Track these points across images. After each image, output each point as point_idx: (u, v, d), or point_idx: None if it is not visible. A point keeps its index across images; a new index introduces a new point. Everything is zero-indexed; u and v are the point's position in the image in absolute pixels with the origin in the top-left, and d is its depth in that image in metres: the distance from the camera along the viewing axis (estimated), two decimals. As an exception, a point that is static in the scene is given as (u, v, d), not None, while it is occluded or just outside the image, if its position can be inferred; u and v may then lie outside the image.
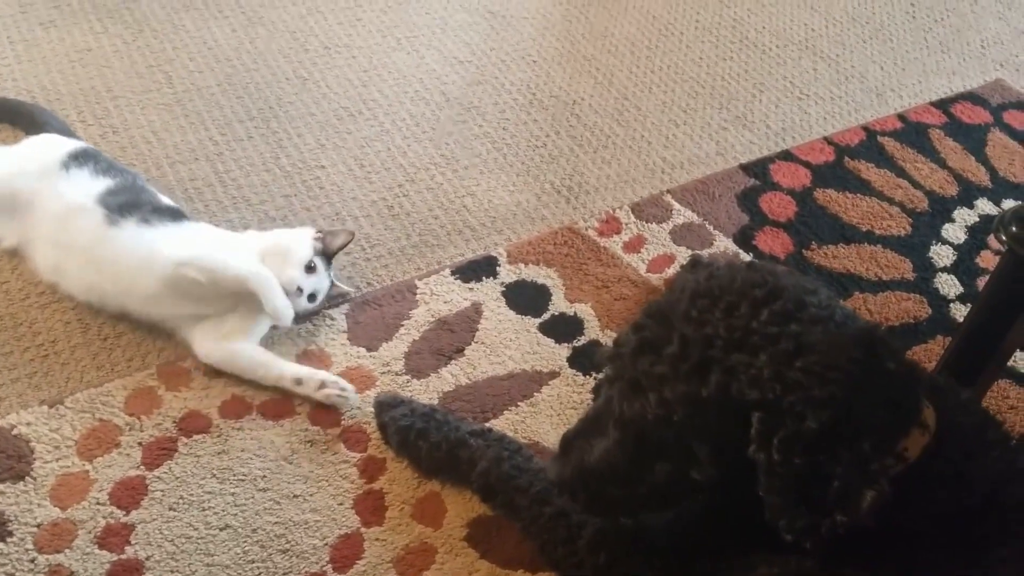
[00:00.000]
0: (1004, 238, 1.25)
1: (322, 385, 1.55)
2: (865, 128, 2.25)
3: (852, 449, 0.94)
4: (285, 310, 1.58)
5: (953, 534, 1.00)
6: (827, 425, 0.94)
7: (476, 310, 1.75)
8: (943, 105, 2.35)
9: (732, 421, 0.99)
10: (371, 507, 1.45)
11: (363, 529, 1.42)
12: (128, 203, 1.65)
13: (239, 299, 1.60)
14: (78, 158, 1.71)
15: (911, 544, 1.00)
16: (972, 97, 2.39)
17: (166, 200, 1.74)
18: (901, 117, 2.29)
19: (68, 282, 1.65)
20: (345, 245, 1.73)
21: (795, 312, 1.01)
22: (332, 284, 1.70)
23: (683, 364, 1.01)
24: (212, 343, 1.59)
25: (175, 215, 1.69)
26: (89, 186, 1.66)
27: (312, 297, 1.64)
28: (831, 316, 1.02)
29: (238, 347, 1.59)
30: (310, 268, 1.64)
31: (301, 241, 1.67)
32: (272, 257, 1.62)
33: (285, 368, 1.57)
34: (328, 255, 1.69)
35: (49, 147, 1.75)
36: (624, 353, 1.08)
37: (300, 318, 1.65)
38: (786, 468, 0.95)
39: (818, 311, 1.02)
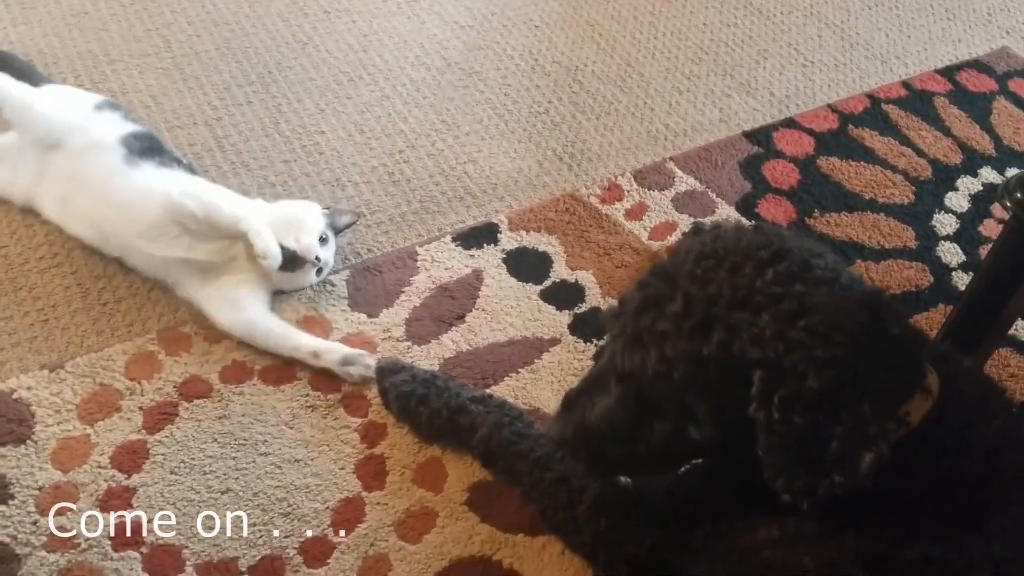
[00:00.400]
0: (1009, 204, 1.24)
1: (346, 361, 1.54)
2: (869, 95, 2.23)
3: (852, 411, 0.94)
4: (273, 249, 1.57)
5: (954, 501, 1.00)
6: (829, 386, 0.93)
7: (477, 277, 1.74)
8: (948, 73, 2.33)
9: (732, 380, 0.99)
10: (372, 471, 1.45)
11: (364, 493, 1.43)
12: (149, 148, 1.69)
13: (233, 255, 1.61)
14: (111, 104, 1.79)
15: (912, 509, 1.00)
16: (977, 65, 2.37)
17: (183, 158, 1.78)
18: (906, 84, 2.28)
19: (73, 218, 1.68)
20: (350, 225, 1.74)
21: (800, 273, 1.00)
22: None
23: (685, 321, 1.01)
24: (231, 312, 1.59)
25: (191, 170, 1.73)
26: (117, 127, 1.71)
27: (319, 271, 1.64)
28: (836, 279, 1.01)
29: (257, 318, 1.59)
30: (323, 240, 1.64)
31: (313, 213, 1.67)
32: (285, 227, 1.61)
33: (302, 340, 1.57)
34: (334, 231, 1.69)
35: (84, 93, 1.83)
36: (627, 311, 1.08)
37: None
38: (785, 427, 0.95)
39: (823, 273, 1.01)
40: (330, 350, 1.56)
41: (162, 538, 1.36)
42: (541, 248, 1.80)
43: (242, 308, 1.59)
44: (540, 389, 1.58)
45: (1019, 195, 1.22)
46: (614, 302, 1.67)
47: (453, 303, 1.69)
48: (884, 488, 0.98)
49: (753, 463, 0.99)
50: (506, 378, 1.59)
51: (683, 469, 1.19)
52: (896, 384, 0.98)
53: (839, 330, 0.95)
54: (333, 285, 1.70)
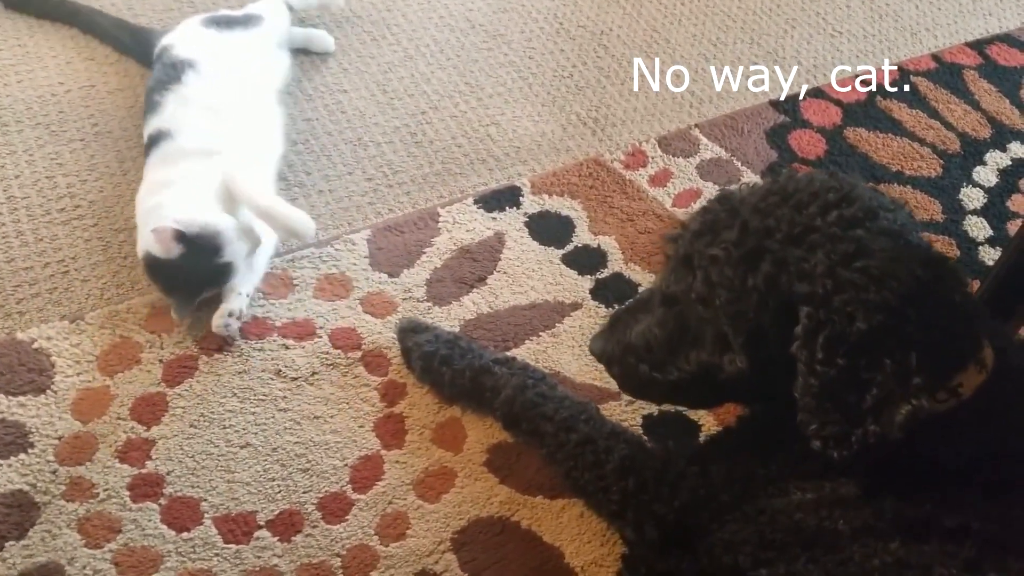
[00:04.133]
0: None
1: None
2: (898, 67, 2.20)
3: (897, 360, 0.92)
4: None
5: (999, 475, 0.99)
6: (876, 330, 0.92)
7: (499, 239, 1.73)
8: (978, 46, 2.29)
9: (775, 314, 0.97)
10: (391, 430, 1.45)
11: (383, 451, 1.42)
12: None
13: None
14: None
15: (955, 480, 0.98)
16: (1008, 39, 2.33)
17: None
18: (935, 57, 2.24)
19: None
20: None
21: (863, 219, 0.98)
22: None
23: (736, 250, 1.00)
24: None
25: None
26: None
27: None
28: (902, 234, 0.99)
29: None
30: None
31: None
32: None
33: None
34: None
35: None
36: (686, 234, 1.08)
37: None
38: (827, 368, 0.93)
39: (889, 225, 0.99)
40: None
41: (180, 490, 1.36)
42: (564, 212, 1.79)
43: None
44: (561, 353, 1.57)
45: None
46: (636, 268, 1.68)
47: (474, 265, 1.68)
48: (929, 457, 0.97)
49: (787, 417, 0.98)
50: (527, 341, 1.58)
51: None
52: (951, 352, 0.96)
53: (894, 277, 0.93)
54: (354, 244, 1.69)
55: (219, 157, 1.58)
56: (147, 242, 1.48)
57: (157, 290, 1.53)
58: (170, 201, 1.52)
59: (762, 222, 1.00)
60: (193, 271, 1.47)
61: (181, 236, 1.44)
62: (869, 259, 0.95)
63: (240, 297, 1.53)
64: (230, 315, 1.51)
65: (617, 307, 1.63)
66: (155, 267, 1.48)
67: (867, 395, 0.93)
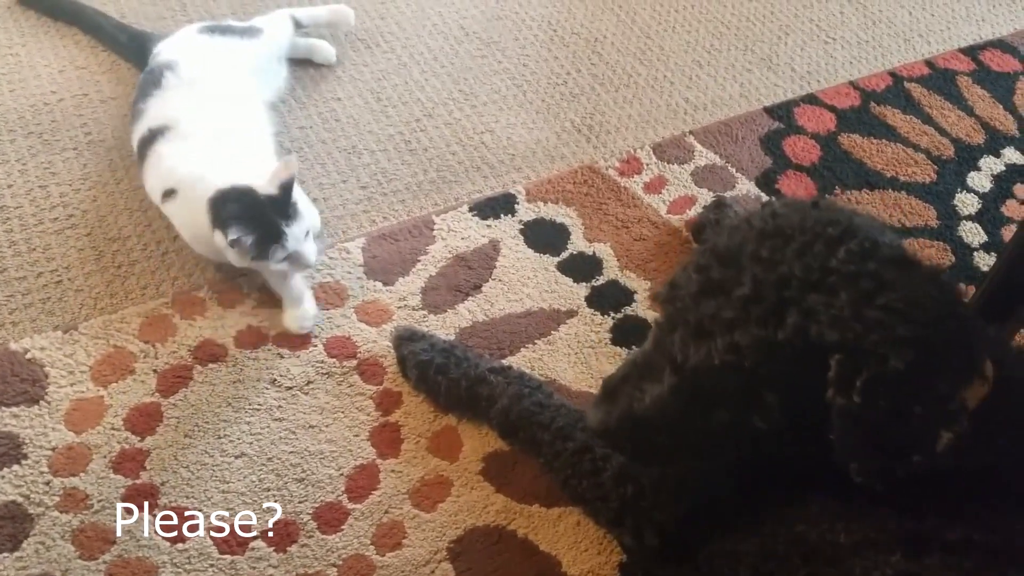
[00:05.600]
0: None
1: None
2: (892, 73, 2.20)
3: (932, 389, 0.90)
4: None
5: (1002, 487, 0.98)
6: (910, 365, 0.89)
7: (494, 247, 1.72)
8: (971, 52, 2.30)
9: (808, 365, 0.93)
10: (387, 439, 1.44)
11: (379, 461, 1.42)
12: None
13: None
14: None
15: (958, 493, 0.97)
16: (1001, 45, 2.33)
17: None
18: (929, 63, 2.25)
19: None
20: None
21: (871, 251, 0.96)
22: None
23: (756, 307, 0.95)
24: None
25: None
26: None
27: None
28: (903, 256, 0.98)
29: None
30: None
31: None
32: None
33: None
34: None
35: None
36: (683, 295, 1.01)
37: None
38: (868, 411, 0.90)
39: (891, 251, 0.97)
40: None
41: (175, 500, 1.35)
42: (559, 219, 1.78)
43: None
44: (557, 360, 1.56)
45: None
46: (632, 275, 1.68)
47: (470, 273, 1.68)
48: (931, 469, 0.96)
49: (808, 443, 0.96)
50: (522, 349, 1.58)
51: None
52: (960, 368, 0.95)
53: (918, 307, 0.91)
54: (349, 252, 1.68)
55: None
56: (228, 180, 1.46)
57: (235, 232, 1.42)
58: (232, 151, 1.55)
59: (773, 272, 0.96)
60: (277, 214, 1.44)
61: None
62: (889, 293, 0.92)
63: (311, 296, 1.57)
64: (310, 315, 1.55)
65: (611, 316, 1.63)
66: (248, 202, 1.44)
67: (907, 428, 0.91)
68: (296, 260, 1.48)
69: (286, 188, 1.44)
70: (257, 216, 1.42)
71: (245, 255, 1.43)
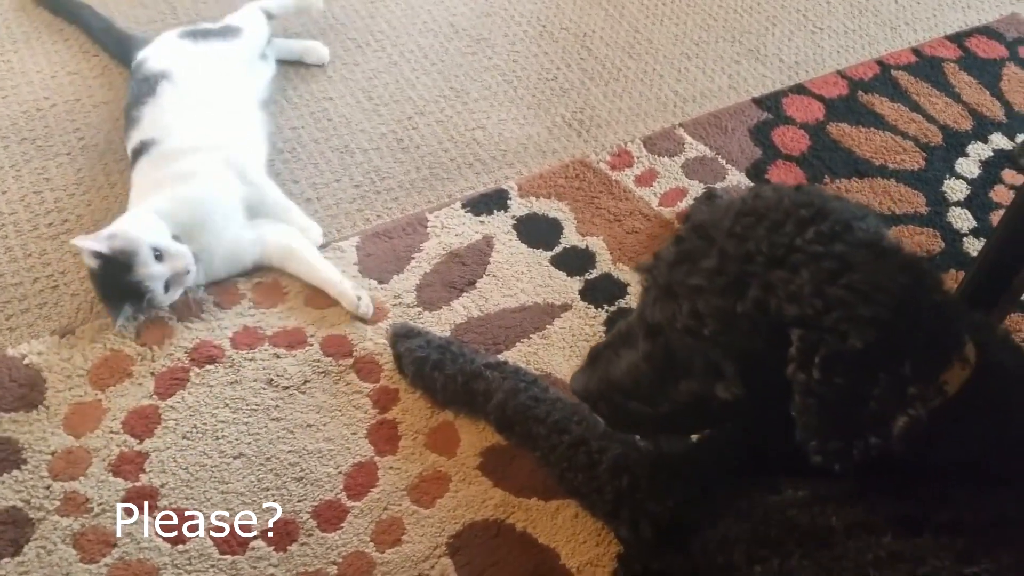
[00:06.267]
0: (1024, 166, 1.23)
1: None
2: (879, 62, 2.21)
3: (891, 372, 0.92)
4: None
5: (988, 468, 0.99)
6: (871, 345, 0.92)
7: (488, 243, 1.73)
8: (958, 39, 2.31)
9: (766, 339, 0.97)
10: (385, 436, 1.45)
11: (377, 458, 1.43)
12: None
13: None
14: None
15: (945, 476, 0.99)
16: (987, 31, 2.35)
17: None
18: (916, 51, 2.26)
19: None
20: None
21: (842, 233, 0.98)
22: None
23: (719, 278, 0.99)
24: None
25: None
26: None
27: None
28: (878, 242, 0.99)
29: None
30: None
31: None
32: None
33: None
34: None
35: None
36: (661, 264, 1.06)
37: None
38: (825, 388, 0.93)
39: (866, 235, 0.99)
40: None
41: (175, 502, 1.36)
42: (551, 214, 1.79)
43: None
44: (552, 355, 1.57)
45: (1035, 157, 1.21)
46: (625, 268, 1.69)
47: (464, 269, 1.69)
48: (918, 455, 0.97)
49: (779, 424, 0.98)
50: (518, 344, 1.59)
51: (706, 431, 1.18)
52: (936, 352, 0.97)
53: (882, 289, 0.93)
54: (343, 251, 1.69)
55: (215, 152, 1.62)
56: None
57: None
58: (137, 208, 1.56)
59: (741, 247, 0.99)
60: (110, 283, 1.49)
61: (98, 253, 1.46)
62: (853, 274, 0.94)
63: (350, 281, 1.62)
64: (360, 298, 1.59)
65: (605, 310, 1.64)
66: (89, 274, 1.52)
67: (865, 409, 0.93)
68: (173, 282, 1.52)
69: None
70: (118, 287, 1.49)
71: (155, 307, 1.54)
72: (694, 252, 1.02)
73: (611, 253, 1.74)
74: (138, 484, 1.38)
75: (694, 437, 1.27)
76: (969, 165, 1.99)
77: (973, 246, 1.82)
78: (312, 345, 1.55)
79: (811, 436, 0.96)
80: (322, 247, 1.68)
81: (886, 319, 0.92)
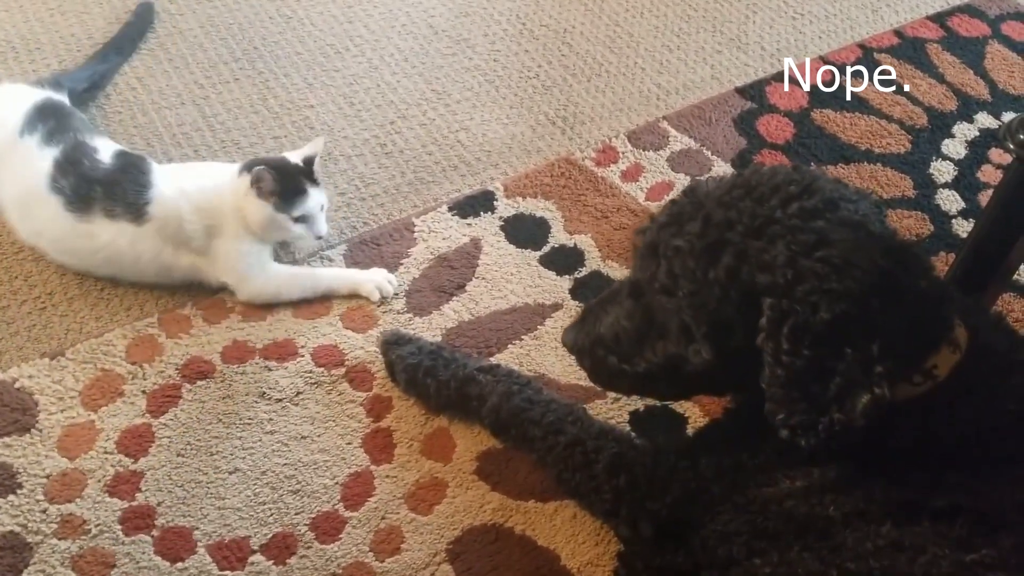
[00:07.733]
0: (1012, 146, 1.23)
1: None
2: (861, 45, 2.21)
3: (859, 349, 0.93)
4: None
5: (983, 452, 1.00)
6: (840, 319, 0.93)
7: (475, 245, 1.73)
8: (940, 19, 2.31)
9: (738, 306, 0.99)
10: (380, 445, 1.45)
11: (373, 467, 1.42)
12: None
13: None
14: None
15: (940, 460, 0.99)
16: (969, 9, 2.34)
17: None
18: (897, 33, 2.25)
19: None
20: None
21: (824, 211, 0.99)
22: None
23: (699, 241, 1.01)
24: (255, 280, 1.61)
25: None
26: None
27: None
28: (864, 224, 1.00)
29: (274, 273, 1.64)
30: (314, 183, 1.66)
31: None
32: None
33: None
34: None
35: None
36: (654, 225, 1.10)
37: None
38: (793, 358, 0.94)
39: (850, 216, 1.00)
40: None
41: (172, 520, 1.36)
42: (538, 214, 1.79)
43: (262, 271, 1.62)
44: (544, 355, 1.57)
45: (1022, 136, 1.21)
46: (614, 265, 1.68)
47: (452, 273, 1.68)
48: (912, 439, 0.98)
49: (762, 406, 0.99)
50: (510, 345, 1.58)
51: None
52: (920, 336, 0.97)
53: (855, 266, 0.94)
54: (331, 260, 1.68)
55: None
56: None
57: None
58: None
59: (724, 214, 1.01)
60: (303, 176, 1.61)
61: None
62: (830, 249, 0.95)
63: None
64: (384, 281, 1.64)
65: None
66: (278, 162, 1.61)
67: (831, 384, 0.94)
68: (311, 224, 1.59)
69: (309, 161, 1.60)
70: (284, 172, 1.57)
71: (267, 200, 1.54)
72: (683, 215, 1.05)
73: (600, 250, 1.73)
74: (135, 503, 1.37)
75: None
76: (955, 146, 1.99)
77: (962, 227, 1.82)
78: (303, 356, 1.54)
79: (777, 408, 0.97)
80: (309, 257, 1.68)
81: (857, 295, 0.93)
